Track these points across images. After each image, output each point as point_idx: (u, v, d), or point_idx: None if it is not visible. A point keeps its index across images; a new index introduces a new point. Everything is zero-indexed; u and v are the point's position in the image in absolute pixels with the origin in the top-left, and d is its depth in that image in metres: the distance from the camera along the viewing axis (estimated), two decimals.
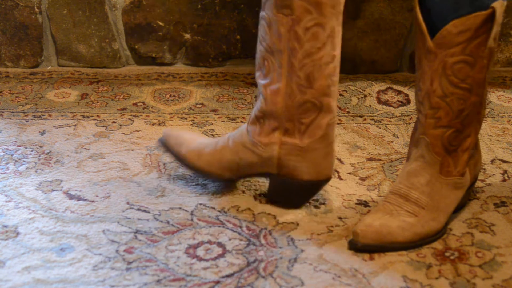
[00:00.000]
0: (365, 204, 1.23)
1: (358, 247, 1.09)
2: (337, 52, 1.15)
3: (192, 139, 1.27)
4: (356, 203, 1.23)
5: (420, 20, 1.08)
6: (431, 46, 1.07)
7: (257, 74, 1.18)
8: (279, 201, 1.22)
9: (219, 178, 1.24)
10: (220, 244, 1.12)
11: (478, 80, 1.09)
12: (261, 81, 1.17)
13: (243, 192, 1.26)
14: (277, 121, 1.16)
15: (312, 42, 1.11)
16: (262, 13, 1.13)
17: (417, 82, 1.13)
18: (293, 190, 1.20)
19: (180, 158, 1.26)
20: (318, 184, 1.20)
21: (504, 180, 1.30)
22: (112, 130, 1.50)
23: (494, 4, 1.04)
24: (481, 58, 1.07)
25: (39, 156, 1.39)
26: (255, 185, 1.28)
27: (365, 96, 1.64)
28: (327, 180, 1.20)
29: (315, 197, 1.24)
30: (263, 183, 1.29)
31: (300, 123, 1.16)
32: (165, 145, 1.28)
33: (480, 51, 1.07)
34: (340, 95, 1.65)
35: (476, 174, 1.22)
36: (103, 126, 1.51)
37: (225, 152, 1.22)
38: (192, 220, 1.18)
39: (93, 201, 1.24)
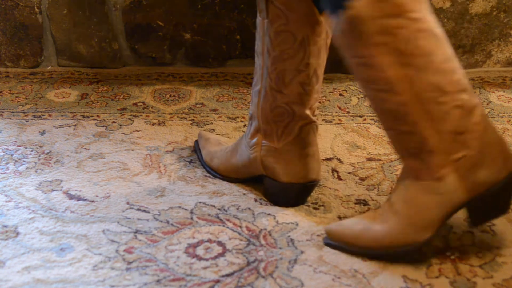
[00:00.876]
0: (364, 203, 1.23)
1: (327, 244, 1.11)
2: (313, 61, 1.13)
3: (215, 141, 1.35)
4: (355, 203, 1.23)
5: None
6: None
7: None
8: (275, 201, 1.23)
9: (228, 179, 1.30)
10: (220, 243, 1.12)
11: (385, 80, 1.00)
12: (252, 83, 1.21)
13: (244, 194, 1.26)
14: (258, 122, 1.20)
15: (283, 47, 1.12)
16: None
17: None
18: (280, 191, 1.21)
19: (200, 160, 1.35)
20: (299, 186, 1.20)
21: None
22: (112, 130, 1.50)
23: (354, 3, 0.96)
24: (372, 57, 0.99)
25: (39, 156, 1.39)
26: (255, 185, 1.28)
27: (365, 96, 1.64)
28: (307, 183, 1.19)
29: (314, 198, 1.24)
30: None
31: (276, 126, 1.18)
32: (196, 146, 1.39)
33: (367, 51, 1.00)
34: (340, 95, 1.64)
35: (483, 182, 1.03)
36: (103, 126, 1.51)
37: (231, 154, 1.28)
38: (191, 218, 1.18)
39: (93, 201, 1.24)
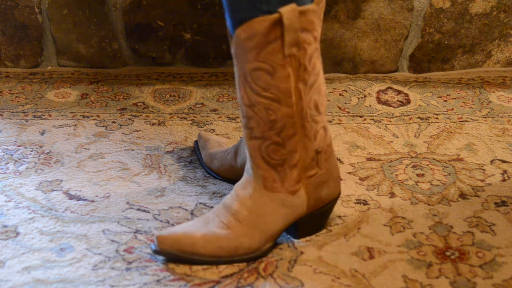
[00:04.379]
0: (364, 203, 1.23)
1: (156, 252, 1.06)
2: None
3: (215, 142, 1.34)
4: (355, 203, 1.23)
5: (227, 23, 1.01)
6: (232, 52, 1.00)
7: None
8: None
9: (228, 180, 1.29)
10: None
11: (285, 90, 0.99)
12: None
13: None
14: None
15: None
16: None
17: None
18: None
19: (200, 160, 1.35)
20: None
21: (504, 180, 1.30)
22: (112, 130, 1.50)
23: (282, 9, 0.94)
24: (281, 66, 0.97)
25: (39, 156, 1.39)
26: None
27: (365, 96, 1.64)
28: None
29: None
30: None
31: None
32: (196, 146, 1.38)
33: (277, 59, 0.97)
34: (340, 95, 1.65)
35: (323, 199, 1.10)
36: (103, 126, 1.51)
37: (232, 156, 1.27)
38: (192, 219, 1.18)
39: (93, 201, 1.24)
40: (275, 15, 0.95)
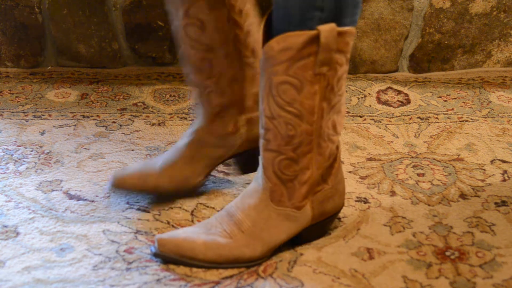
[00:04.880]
0: (365, 201, 1.23)
1: (156, 255, 1.06)
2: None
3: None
4: (356, 201, 1.23)
5: (260, 33, 0.99)
6: (260, 62, 0.99)
7: None
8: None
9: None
10: None
11: (308, 107, 0.99)
12: None
13: None
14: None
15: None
16: None
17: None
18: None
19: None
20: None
21: (504, 180, 1.30)
22: (112, 130, 1.50)
23: (321, 27, 0.94)
24: (309, 83, 0.97)
25: (39, 156, 1.39)
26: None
27: (365, 96, 1.64)
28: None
29: None
30: None
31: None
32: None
33: (308, 75, 0.97)
34: None
35: (328, 212, 1.11)
36: (103, 126, 1.51)
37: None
38: (192, 220, 1.18)
39: (93, 201, 1.24)
40: (313, 32, 0.94)
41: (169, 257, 1.06)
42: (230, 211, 1.08)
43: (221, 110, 1.18)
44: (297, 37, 0.94)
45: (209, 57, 1.12)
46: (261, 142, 1.04)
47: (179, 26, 1.13)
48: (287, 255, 1.09)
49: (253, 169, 1.21)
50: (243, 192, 1.09)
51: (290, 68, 0.96)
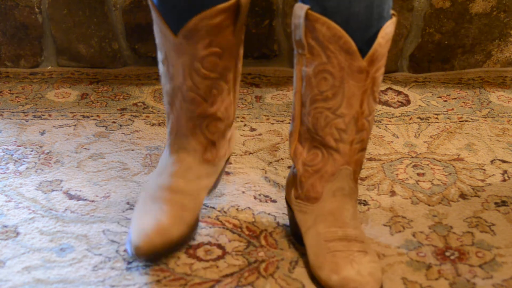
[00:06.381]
0: (364, 203, 1.23)
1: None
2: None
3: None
4: None
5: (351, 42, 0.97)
6: (364, 65, 0.97)
7: None
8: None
9: None
10: (220, 246, 1.12)
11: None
12: None
13: (243, 192, 1.26)
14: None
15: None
16: None
17: (334, 110, 1.01)
18: None
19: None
20: None
21: (504, 180, 1.30)
22: (112, 130, 1.50)
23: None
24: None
25: (39, 156, 1.39)
26: (255, 185, 1.28)
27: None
28: None
29: None
30: (263, 184, 1.29)
31: None
32: None
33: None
34: None
35: None
36: (103, 126, 1.51)
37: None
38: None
39: (93, 201, 1.24)
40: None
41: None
42: (341, 236, 1.04)
43: (219, 135, 1.14)
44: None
45: (219, 84, 1.08)
46: (353, 148, 1.04)
47: (183, 65, 1.05)
48: (289, 254, 1.09)
49: None
50: (322, 216, 1.06)
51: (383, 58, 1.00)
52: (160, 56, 1.08)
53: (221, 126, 1.12)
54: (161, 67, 1.09)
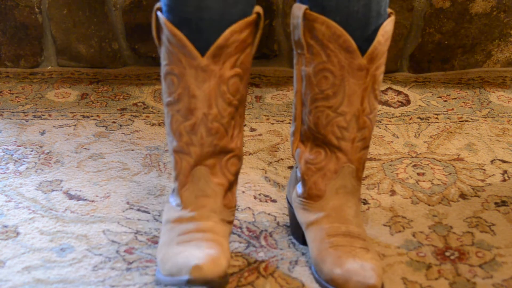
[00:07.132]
0: (364, 202, 1.23)
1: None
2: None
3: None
4: None
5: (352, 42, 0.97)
6: (364, 63, 0.97)
7: None
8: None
9: None
10: None
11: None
12: None
13: (243, 192, 1.26)
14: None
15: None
16: None
17: (335, 108, 1.00)
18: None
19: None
20: None
21: (504, 180, 1.30)
22: (112, 130, 1.50)
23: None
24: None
25: (39, 156, 1.39)
26: (255, 185, 1.28)
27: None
28: None
29: None
30: (263, 184, 1.29)
31: None
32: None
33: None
34: None
35: None
36: (103, 126, 1.51)
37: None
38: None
39: (93, 201, 1.24)
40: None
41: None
42: (344, 232, 1.02)
43: (235, 178, 1.04)
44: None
45: (238, 113, 1.01)
46: (355, 146, 1.03)
47: (209, 91, 0.97)
48: (288, 254, 1.09)
49: None
50: (326, 211, 1.04)
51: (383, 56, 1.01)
52: (168, 98, 0.99)
53: (238, 166, 1.04)
54: (171, 108, 1.00)
